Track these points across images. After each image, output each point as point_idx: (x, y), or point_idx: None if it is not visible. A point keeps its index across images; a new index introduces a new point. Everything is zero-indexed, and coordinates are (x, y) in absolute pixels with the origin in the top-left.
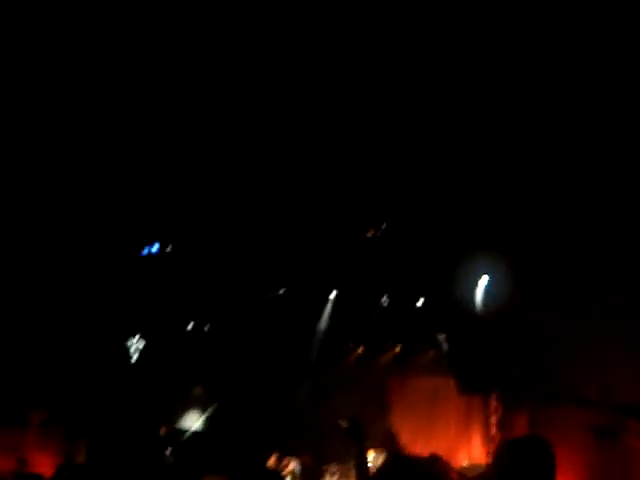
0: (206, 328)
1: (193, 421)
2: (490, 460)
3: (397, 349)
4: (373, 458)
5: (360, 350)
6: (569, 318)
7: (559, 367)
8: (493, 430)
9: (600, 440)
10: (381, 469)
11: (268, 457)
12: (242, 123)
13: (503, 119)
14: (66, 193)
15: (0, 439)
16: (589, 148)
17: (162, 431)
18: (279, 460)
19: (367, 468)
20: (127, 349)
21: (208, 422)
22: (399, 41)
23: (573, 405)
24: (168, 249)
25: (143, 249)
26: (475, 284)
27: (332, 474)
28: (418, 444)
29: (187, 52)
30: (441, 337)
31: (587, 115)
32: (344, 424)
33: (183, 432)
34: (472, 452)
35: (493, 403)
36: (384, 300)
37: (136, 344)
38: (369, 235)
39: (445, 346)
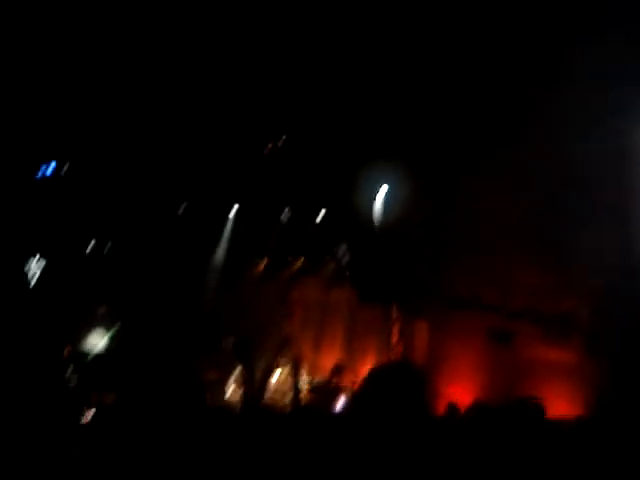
0: (107, 247)
1: (97, 341)
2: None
3: (299, 262)
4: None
5: (263, 264)
6: (466, 230)
7: (457, 275)
8: (394, 338)
9: (496, 343)
10: None
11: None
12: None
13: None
14: None
15: None
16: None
17: (65, 352)
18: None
19: (253, 380)
20: (26, 271)
21: (112, 341)
22: None
23: (471, 311)
24: (65, 169)
25: (39, 170)
26: (374, 195)
27: (236, 382)
28: (322, 354)
29: None
30: (342, 249)
31: None
32: (229, 343)
33: (87, 353)
34: (375, 361)
35: (394, 312)
36: (285, 214)
37: (36, 265)
38: (269, 148)
39: (346, 258)
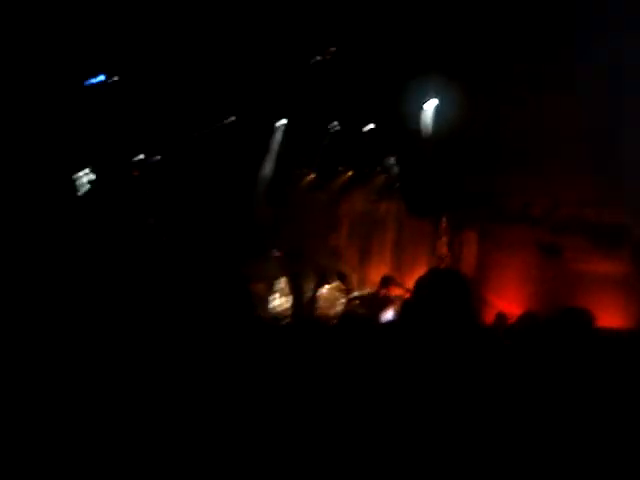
0: (156, 159)
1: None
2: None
3: (348, 174)
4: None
5: (312, 176)
6: (514, 142)
7: (507, 187)
8: (444, 250)
9: (545, 256)
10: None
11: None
12: None
13: None
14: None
15: None
16: None
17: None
18: None
19: (301, 292)
20: (75, 182)
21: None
22: None
23: (520, 223)
24: (114, 79)
25: (88, 80)
26: (423, 107)
27: (281, 293)
28: (370, 267)
29: None
30: (391, 161)
31: None
32: (277, 253)
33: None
34: (423, 272)
35: (443, 224)
36: (334, 125)
37: (86, 177)
38: (317, 60)
39: (395, 170)
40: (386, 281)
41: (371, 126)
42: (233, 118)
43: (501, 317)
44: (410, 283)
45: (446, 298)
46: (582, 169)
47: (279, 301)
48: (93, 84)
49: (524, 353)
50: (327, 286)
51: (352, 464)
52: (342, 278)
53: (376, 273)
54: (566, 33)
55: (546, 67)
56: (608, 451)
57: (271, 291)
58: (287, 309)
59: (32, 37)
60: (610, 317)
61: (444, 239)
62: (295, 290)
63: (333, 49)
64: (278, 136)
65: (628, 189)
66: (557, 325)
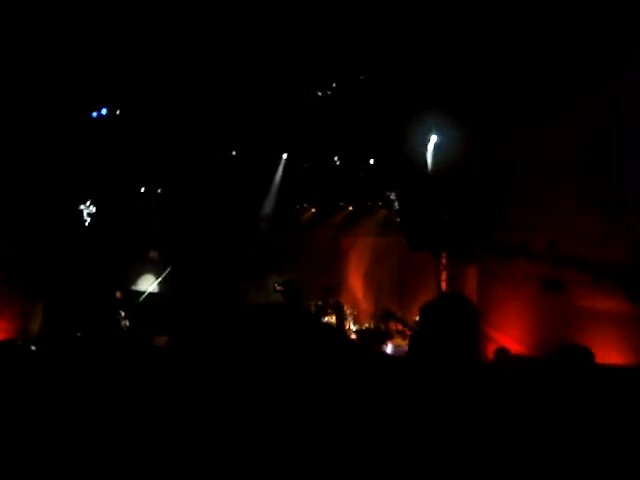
0: (159, 191)
1: (148, 284)
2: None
3: (349, 208)
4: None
5: (313, 210)
6: (515, 176)
7: (506, 222)
8: (444, 286)
9: (546, 291)
10: None
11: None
12: None
13: None
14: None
15: None
16: None
17: (118, 295)
18: None
19: None
20: (80, 213)
21: (163, 284)
22: None
23: (520, 258)
24: (117, 112)
25: (91, 113)
26: (425, 142)
27: None
28: (370, 301)
29: None
30: (392, 196)
31: None
32: (279, 287)
33: (139, 295)
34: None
35: (443, 260)
36: (336, 160)
37: (88, 209)
38: (318, 95)
39: (396, 205)
40: (386, 315)
41: (372, 161)
42: (234, 153)
43: (502, 352)
44: (411, 318)
45: (455, 324)
46: (583, 204)
47: None
48: (95, 117)
49: (521, 391)
50: (326, 319)
51: None
52: (338, 311)
53: (376, 308)
54: (565, 67)
55: (544, 101)
56: None
57: None
58: None
59: (37, 70)
60: (611, 354)
61: (444, 274)
62: None
63: (334, 84)
64: (279, 171)
65: (630, 225)
66: (556, 361)
